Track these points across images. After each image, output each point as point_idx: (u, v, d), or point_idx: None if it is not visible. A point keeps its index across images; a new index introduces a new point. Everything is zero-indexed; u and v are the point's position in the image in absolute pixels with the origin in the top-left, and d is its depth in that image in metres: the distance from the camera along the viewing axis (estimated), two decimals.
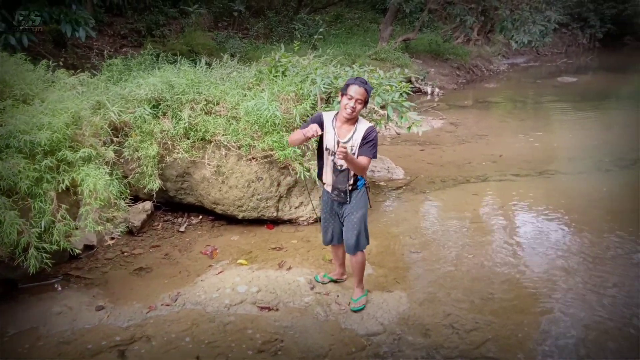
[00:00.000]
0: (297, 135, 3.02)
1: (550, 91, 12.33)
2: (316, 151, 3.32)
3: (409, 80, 10.98)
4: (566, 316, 3.34)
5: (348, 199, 3.16)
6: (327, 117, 3.10)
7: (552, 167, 6.49)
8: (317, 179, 3.36)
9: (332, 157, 3.09)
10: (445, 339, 3.11)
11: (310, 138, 2.89)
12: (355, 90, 2.92)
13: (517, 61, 17.64)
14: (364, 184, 3.20)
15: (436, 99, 11.28)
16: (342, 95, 2.98)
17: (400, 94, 4.80)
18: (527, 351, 3.02)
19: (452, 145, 7.55)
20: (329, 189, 3.21)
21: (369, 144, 3.02)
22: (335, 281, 3.68)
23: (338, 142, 2.91)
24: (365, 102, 2.96)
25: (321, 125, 3.03)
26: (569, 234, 4.56)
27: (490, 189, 5.75)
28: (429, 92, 11.70)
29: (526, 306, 3.46)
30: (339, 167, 3.09)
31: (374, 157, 3.06)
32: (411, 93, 5.46)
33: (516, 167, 6.44)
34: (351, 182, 3.12)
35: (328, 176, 3.17)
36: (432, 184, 5.84)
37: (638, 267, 3.95)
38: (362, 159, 2.99)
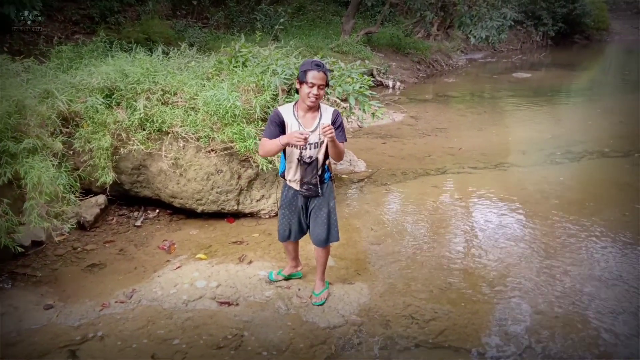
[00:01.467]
0: (270, 144, 2.83)
1: (506, 86, 12.72)
2: None
3: (371, 74, 11.05)
4: (520, 304, 3.44)
5: (320, 191, 3.06)
6: (286, 111, 2.95)
7: (508, 159, 6.69)
8: (281, 177, 3.22)
9: (301, 151, 2.95)
10: (405, 329, 3.15)
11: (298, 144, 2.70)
12: (313, 76, 2.76)
13: (475, 57, 18.08)
14: (330, 176, 3.15)
15: (397, 93, 11.40)
16: (301, 83, 2.81)
17: (362, 85, 4.81)
18: (483, 338, 3.10)
19: (413, 138, 7.66)
20: (297, 185, 3.08)
21: (340, 128, 2.96)
22: (289, 277, 3.60)
23: (319, 126, 2.72)
24: (326, 85, 2.85)
25: (282, 123, 2.91)
26: (523, 224, 4.72)
27: (449, 181, 5.87)
28: (391, 85, 11.81)
29: (482, 295, 3.55)
30: (308, 159, 2.97)
31: (345, 140, 3.02)
32: (373, 86, 5.48)
33: (474, 159, 6.60)
34: (319, 173, 3.03)
35: (295, 172, 3.04)
36: (393, 177, 5.90)
37: (585, 254, 4.13)
38: (342, 145, 2.93)
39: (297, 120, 2.93)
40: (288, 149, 2.99)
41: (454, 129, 8.27)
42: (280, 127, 2.92)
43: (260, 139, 4.16)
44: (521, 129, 8.58)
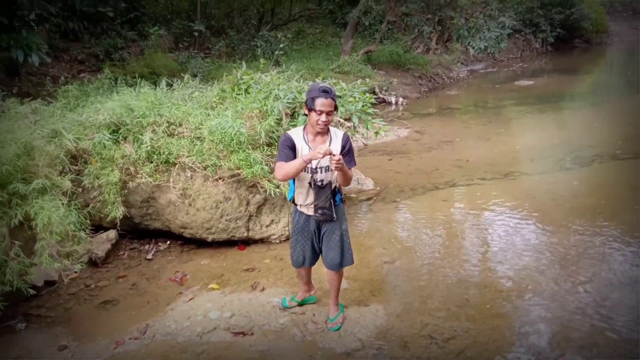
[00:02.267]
0: (291, 166, 2.79)
1: (509, 95, 12.69)
2: None
3: (373, 91, 11.09)
4: (541, 316, 3.35)
5: (334, 215, 3.00)
6: (296, 135, 2.94)
7: (516, 168, 6.62)
8: (290, 202, 3.19)
9: (313, 175, 2.92)
10: (425, 349, 3.06)
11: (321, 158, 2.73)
12: (322, 104, 2.75)
13: (475, 68, 18.12)
14: (341, 198, 3.12)
15: (401, 109, 11.42)
16: (310, 110, 2.81)
17: (365, 104, 4.81)
18: (505, 354, 3.00)
19: (419, 153, 7.62)
20: (310, 210, 3.03)
21: (350, 153, 2.96)
22: (302, 303, 3.54)
23: (330, 154, 2.67)
24: (335, 109, 2.85)
25: (294, 147, 2.89)
26: (537, 234, 4.63)
27: (458, 194, 5.80)
28: (393, 102, 11.83)
29: (501, 309, 3.46)
30: (319, 184, 2.93)
31: (355, 164, 3.01)
32: (376, 103, 5.48)
33: (482, 170, 6.53)
34: (330, 197, 2.99)
35: (306, 196, 3.01)
36: (402, 193, 5.85)
37: (603, 261, 4.03)
38: (350, 171, 2.93)
39: (308, 144, 2.91)
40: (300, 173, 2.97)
41: (460, 141, 8.23)
42: (292, 150, 2.90)
43: (265, 164, 4.21)
44: (528, 137, 8.51)
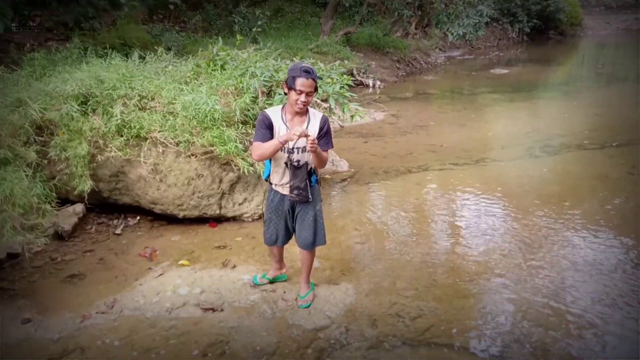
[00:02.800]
0: (267, 147, 2.78)
1: (484, 82, 12.86)
2: None
3: (351, 73, 11.05)
4: (505, 298, 3.46)
5: (310, 196, 3.00)
6: (274, 114, 2.90)
7: (488, 155, 6.75)
8: (266, 181, 3.18)
9: (289, 155, 2.90)
10: (392, 327, 3.13)
11: (295, 140, 2.74)
12: (302, 84, 2.72)
13: (453, 54, 18.24)
14: (317, 179, 3.11)
15: (378, 92, 11.43)
16: (290, 89, 2.77)
17: (342, 86, 4.79)
18: (469, 334, 3.10)
19: (394, 136, 7.68)
20: (286, 190, 3.02)
21: (327, 135, 2.95)
22: (273, 280, 3.56)
23: (305, 135, 2.68)
24: (315, 91, 2.82)
25: (271, 126, 2.87)
26: (505, 218, 4.76)
27: (431, 178, 5.89)
28: (371, 84, 11.83)
29: (467, 291, 3.56)
30: (296, 164, 2.92)
31: (332, 147, 3.02)
32: (353, 85, 5.47)
33: (455, 156, 6.64)
34: (306, 177, 2.98)
35: (282, 176, 3.00)
36: (375, 175, 5.90)
37: (565, 248, 4.18)
38: (326, 153, 2.94)
39: (285, 124, 2.89)
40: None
41: (434, 126, 8.32)
42: (269, 130, 2.88)
43: (239, 142, 4.17)
44: (501, 124, 8.68)
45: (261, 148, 2.83)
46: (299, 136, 2.67)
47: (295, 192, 2.97)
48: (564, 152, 6.88)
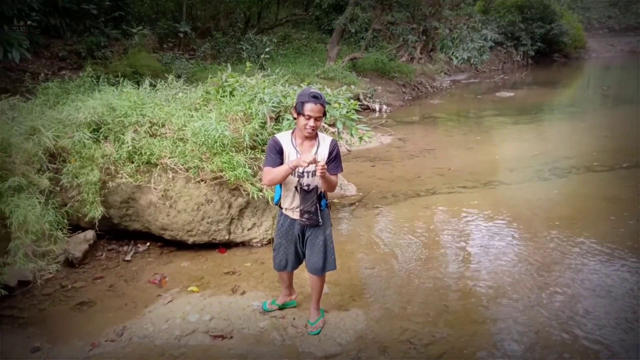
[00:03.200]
0: (278, 172, 2.82)
1: (490, 105, 12.93)
2: None
3: (358, 98, 11.17)
4: (516, 324, 3.40)
5: (320, 220, 3.02)
6: (284, 138, 2.94)
7: (496, 178, 6.74)
8: (276, 206, 3.19)
9: (300, 179, 2.94)
10: (404, 354, 3.08)
11: (305, 166, 2.77)
12: (311, 109, 2.76)
13: (458, 78, 18.42)
14: (326, 203, 3.12)
15: (384, 116, 11.52)
16: (299, 114, 2.81)
17: (349, 110, 4.85)
18: None
19: (402, 160, 7.70)
20: (296, 214, 3.04)
21: (337, 159, 2.98)
22: (283, 307, 3.53)
23: (315, 162, 2.71)
24: (324, 115, 2.87)
25: (281, 151, 2.91)
26: (515, 242, 4.71)
27: (439, 201, 5.87)
28: (377, 109, 11.94)
29: (479, 316, 3.50)
30: (306, 188, 2.95)
31: (341, 170, 3.04)
32: (360, 110, 5.52)
33: (463, 179, 6.63)
34: (316, 201, 3.00)
35: (292, 200, 3.02)
36: (384, 199, 5.89)
37: (576, 272, 4.12)
38: (335, 177, 2.96)
39: (295, 148, 2.92)
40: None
41: (441, 150, 8.34)
42: (279, 155, 2.91)
43: (248, 167, 4.20)
44: (508, 147, 8.68)
45: (272, 173, 2.86)
46: (309, 163, 2.70)
47: (306, 216, 2.99)
48: (573, 174, 6.85)
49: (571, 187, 6.39)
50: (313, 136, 2.92)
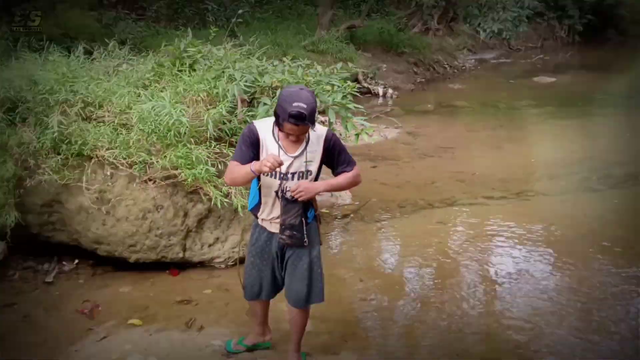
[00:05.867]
0: (239, 171, 2.82)
1: (525, 93, 13.09)
2: None
3: (356, 79, 11.21)
4: None
5: (306, 239, 2.97)
6: (263, 128, 2.91)
7: (531, 187, 6.82)
8: (251, 213, 3.18)
9: (282, 182, 2.90)
10: None
11: (267, 172, 2.75)
12: (291, 129, 2.73)
13: (485, 57, 18.59)
14: (315, 215, 3.10)
15: (390, 103, 11.60)
16: (277, 118, 2.78)
17: (344, 95, 4.86)
18: None
19: (411, 160, 7.76)
20: (274, 227, 3.02)
21: (342, 153, 2.99)
22: (253, 348, 3.52)
23: (280, 164, 2.68)
24: (312, 126, 2.77)
25: (257, 142, 2.89)
26: (554, 271, 4.77)
27: (458, 215, 5.93)
28: (381, 93, 12.02)
29: None
30: (289, 196, 2.90)
31: (355, 163, 3.04)
32: (358, 95, 5.54)
33: (489, 187, 6.70)
34: (301, 212, 2.95)
35: (271, 209, 3.00)
36: (387, 211, 5.93)
37: (634, 307, 4.18)
38: (348, 174, 2.98)
39: (278, 142, 2.89)
40: (264, 178, 2.94)
41: (462, 149, 8.42)
42: (254, 148, 2.89)
43: (211, 164, 4.19)
44: (547, 148, 8.79)
45: (233, 172, 2.87)
46: (271, 168, 2.66)
47: (287, 232, 2.94)
48: (629, 184, 6.96)
49: (627, 202, 6.48)
50: None
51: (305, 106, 2.67)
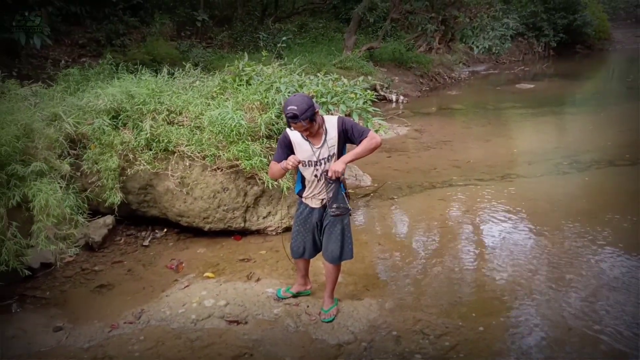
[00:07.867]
0: (276, 168, 2.96)
1: (509, 97, 12.73)
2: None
3: (374, 89, 11.11)
4: (531, 316, 3.40)
5: (349, 207, 2.99)
6: (293, 131, 2.93)
7: (514, 171, 6.66)
8: (298, 195, 3.21)
9: (315, 167, 2.94)
10: (416, 345, 3.11)
11: (291, 169, 2.89)
12: (295, 127, 2.78)
13: (477, 69, 18.13)
14: (345, 191, 3.12)
15: (401, 107, 11.44)
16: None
17: (365, 101, 4.84)
18: (495, 353, 3.05)
19: (418, 151, 7.66)
20: (314, 202, 3.09)
21: (355, 128, 2.91)
22: (297, 295, 3.57)
23: (298, 162, 2.86)
24: (312, 120, 2.76)
25: (289, 144, 2.95)
26: (532, 236, 4.67)
27: (455, 193, 5.84)
28: (394, 99, 11.86)
29: (493, 309, 3.50)
30: (328, 177, 2.90)
31: (368, 130, 2.92)
32: (376, 100, 5.50)
33: (480, 171, 6.57)
34: (339, 187, 2.96)
35: (311, 190, 3.06)
36: (399, 190, 5.89)
37: (597, 267, 4.08)
38: (366, 140, 2.85)
39: (306, 139, 2.93)
40: (302, 168, 3.02)
41: (458, 141, 8.27)
42: (287, 149, 2.97)
43: (264, 156, 4.24)
44: (527, 140, 8.56)
45: (272, 169, 3.02)
46: (292, 166, 2.82)
47: (335, 206, 2.94)
48: (593, 168, 6.74)
49: (591, 182, 6.29)
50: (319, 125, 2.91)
51: (295, 107, 2.68)
